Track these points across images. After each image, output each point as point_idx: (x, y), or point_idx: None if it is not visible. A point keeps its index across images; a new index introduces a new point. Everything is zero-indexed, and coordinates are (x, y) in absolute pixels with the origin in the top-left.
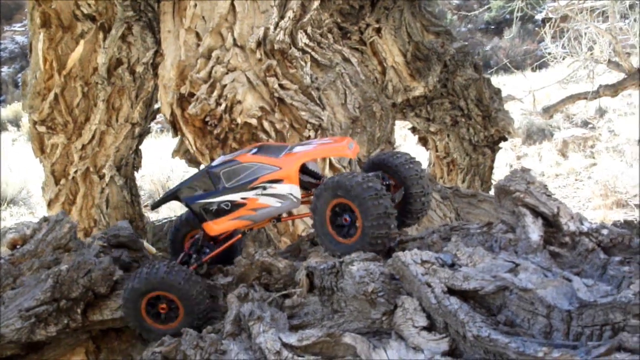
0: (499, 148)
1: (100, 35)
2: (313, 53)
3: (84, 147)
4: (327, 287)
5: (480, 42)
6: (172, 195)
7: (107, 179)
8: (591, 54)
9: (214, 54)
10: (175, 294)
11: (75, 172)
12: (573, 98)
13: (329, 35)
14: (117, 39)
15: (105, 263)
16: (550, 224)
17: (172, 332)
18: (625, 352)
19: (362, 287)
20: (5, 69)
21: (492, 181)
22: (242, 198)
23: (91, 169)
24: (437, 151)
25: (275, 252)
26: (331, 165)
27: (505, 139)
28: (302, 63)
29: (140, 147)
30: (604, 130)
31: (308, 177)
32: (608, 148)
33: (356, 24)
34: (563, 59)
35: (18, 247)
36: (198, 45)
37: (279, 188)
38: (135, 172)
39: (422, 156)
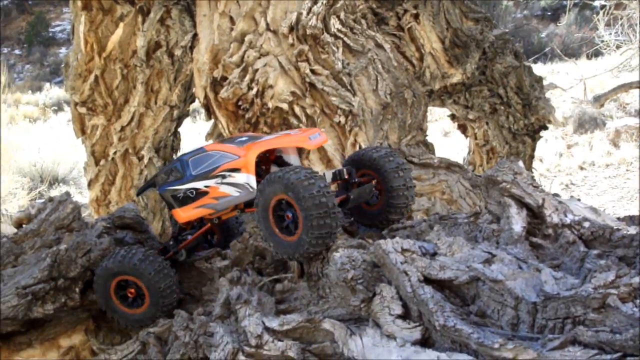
0: (540, 137)
1: (140, 19)
2: (345, 39)
3: (123, 128)
4: (313, 273)
5: (536, 29)
6: (151, 182)
7: (145, 160)
8: None
9: (246, 38)
10: (144, 283)
11: (115, 153)
12: (625, 87)
13: (363, 21)
14: (155, 22)
15: (105, 244)
16: (536, 215)
17: (134, 317)
18: (579, 345)
19: (343, 274)
20: (63, 49)
21: (533, 170)
22: (205, 186)
23: (130, 151)
24: (476, 139)
25: None
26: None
27: (545, 128)
28: (334, 48)
29: (180, 129)
30: None
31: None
32: None
33: (392, 9)
34: (617, 47)
35: (24, 226)
36: (232, 29)
37: (237, 177)
38: (174, 155)
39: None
